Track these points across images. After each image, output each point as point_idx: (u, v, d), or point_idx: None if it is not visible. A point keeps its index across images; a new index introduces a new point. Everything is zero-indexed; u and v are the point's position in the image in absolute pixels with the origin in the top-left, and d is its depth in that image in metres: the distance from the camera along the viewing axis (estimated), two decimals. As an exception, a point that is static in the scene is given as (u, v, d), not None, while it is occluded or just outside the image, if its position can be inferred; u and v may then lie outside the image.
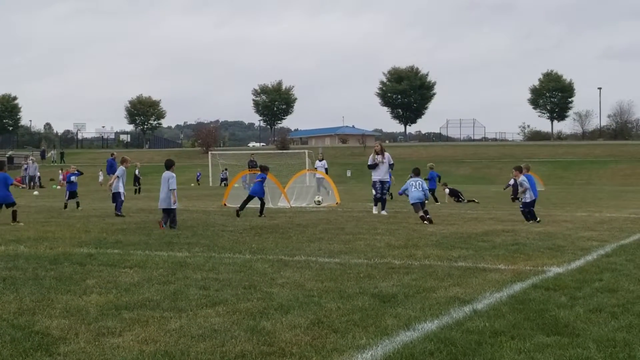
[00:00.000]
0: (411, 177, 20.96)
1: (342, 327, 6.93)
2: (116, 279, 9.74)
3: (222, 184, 64.14)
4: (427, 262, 11.58)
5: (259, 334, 6.63)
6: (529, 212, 20.12)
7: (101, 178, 74.47)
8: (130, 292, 8.72)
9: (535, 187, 22.04)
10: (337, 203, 29.28)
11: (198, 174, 77.89)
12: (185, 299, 8.29)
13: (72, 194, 26.89)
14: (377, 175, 24.10)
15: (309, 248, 13.49)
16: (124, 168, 23.47)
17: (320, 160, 38.85)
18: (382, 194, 23.89)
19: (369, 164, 24.36)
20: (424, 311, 7.65)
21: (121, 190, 22.78)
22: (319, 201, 23.93)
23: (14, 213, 19.12)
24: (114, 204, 22.73)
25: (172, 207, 18.08)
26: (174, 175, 18.45)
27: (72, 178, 27.18)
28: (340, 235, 16.00)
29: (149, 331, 6.69)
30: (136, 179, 48.22)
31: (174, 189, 18.08)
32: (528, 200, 20.26)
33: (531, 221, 19.66)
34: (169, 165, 18.76)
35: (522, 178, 20.73)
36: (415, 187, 20.45)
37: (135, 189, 47.29)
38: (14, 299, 8.23)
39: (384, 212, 23.43)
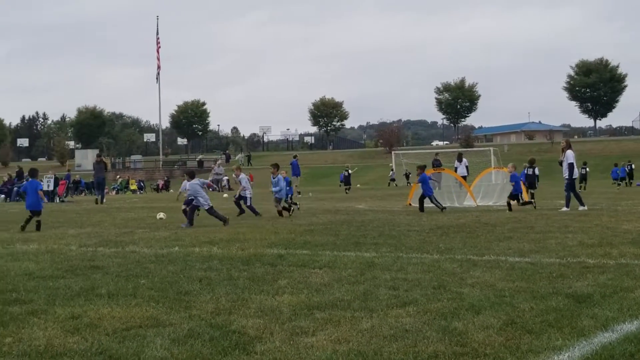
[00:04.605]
0: None
1: (537, 327, 6.76)
2: (307, 279, 9.89)
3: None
4: (624, 260, 11.12)
5: (451, 334, 6.56)
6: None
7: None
8: (321, 292, 8.84)
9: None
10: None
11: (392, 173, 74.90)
12: (375, 299, 8.31)
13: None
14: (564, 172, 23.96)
15: (498, 247, 13.25)
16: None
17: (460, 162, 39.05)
18: (566, 191, 23.84)
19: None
20: (622, 312, 7.35)
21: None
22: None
23: (38, 223, 19.35)
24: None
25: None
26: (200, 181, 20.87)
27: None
28: (529, 234, 15.64)
29: (341, 331, 6.75)
30: (347, 179, 49.42)
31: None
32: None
33: None
34: (192, 175, 21.27)
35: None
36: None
37: (346, 189, 48.39)
38: (210, 299, 8.50)
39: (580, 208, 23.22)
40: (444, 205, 24.11)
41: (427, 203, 24.24)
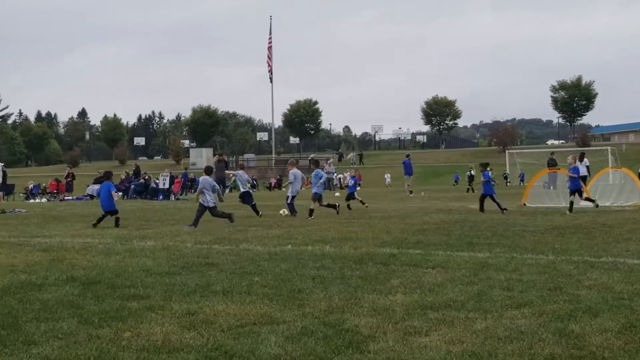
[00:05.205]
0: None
1: (658, 332, 6.58)
2: (419, 279, 9.84)
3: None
4: None
5: (568, 337, 6.44)
6: None
7: (388, 180, 76.69)
8: (434, 292, 8.79)
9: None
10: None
11: (521, 173, 71.14)
12: (490, 300, 8.22)
13: (350, 196, 28.14)
14: None
15: (616, 249, 12.92)
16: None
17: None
18: None
19: None
20: None
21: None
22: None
23: (117, 220, 20.05)
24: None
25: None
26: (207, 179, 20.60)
27: (351, 181, 28.99)
28: (649, 235, 15.21)
29: (455, 331, 6.70)
30: (471, 179, 49.38)
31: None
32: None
33: None
34: (209, 171, 21.18)
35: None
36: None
37: (468, 189, 48.33)
38: (323, 297, 8.55)
39: None
40: (504, 207, 23.54)
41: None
